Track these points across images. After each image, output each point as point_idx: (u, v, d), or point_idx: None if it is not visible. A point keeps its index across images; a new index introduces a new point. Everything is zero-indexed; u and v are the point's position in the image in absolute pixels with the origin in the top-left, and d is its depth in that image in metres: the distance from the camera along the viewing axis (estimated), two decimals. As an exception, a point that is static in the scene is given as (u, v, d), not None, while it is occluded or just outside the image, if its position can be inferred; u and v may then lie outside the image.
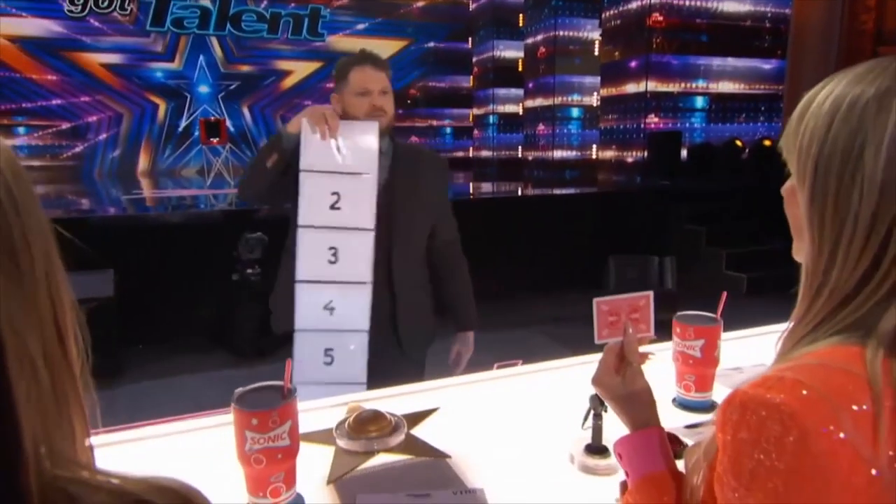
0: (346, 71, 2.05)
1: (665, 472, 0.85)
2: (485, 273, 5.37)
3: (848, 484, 0.55)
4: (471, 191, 9.82)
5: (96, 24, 10.97)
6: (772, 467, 0.57)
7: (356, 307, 1.94)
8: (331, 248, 1.92)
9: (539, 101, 12.64)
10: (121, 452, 1.24)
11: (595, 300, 1.08)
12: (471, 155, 14.40)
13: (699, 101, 10.41)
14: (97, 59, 11.16)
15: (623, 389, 0.95)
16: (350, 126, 1.95)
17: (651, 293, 1.11)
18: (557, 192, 8.72)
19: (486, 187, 10.18)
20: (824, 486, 0.55)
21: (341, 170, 1.92)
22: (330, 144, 1.92)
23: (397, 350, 2.10)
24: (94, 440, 1.27)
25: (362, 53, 2.10)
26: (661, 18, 9.89)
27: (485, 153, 14.09)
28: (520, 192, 8.97)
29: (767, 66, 10.42)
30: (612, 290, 4.96)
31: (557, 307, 5.43)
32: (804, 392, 0.57)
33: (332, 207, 1.91)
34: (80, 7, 10.70)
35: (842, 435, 0.55)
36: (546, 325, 5.28)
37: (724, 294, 1.35)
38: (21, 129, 10.98)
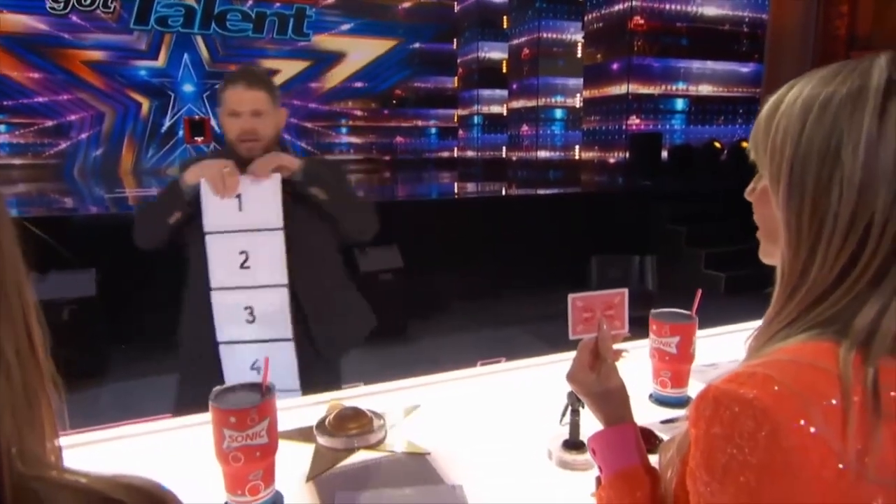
0: (222, 88, 1.88)
1: (638, 467, 0.85)
2: (469, 272, 5.43)
3: (818, 478, 0.55)
4: (455, 191, 9.85)
5: (79, 21, 10.84)
6: (744, 462, 0.57)
7: (280, 365, 1.85)
8: (246, 307, 1.85)
9: (523, 103, 12.69)
10: (99, 452, 1.24)
11: (570, 296, 1.08)
12: (455, 155, 14.45)
13: (679, 104, 10.48)
14: (80, 57, 11.05)
15: (598, 386, 0.94)
16: (249, 181, 1.81)
17: (626, 290, 1.11)
18: (541, 192, 8.77)
19: (471, 187, 10.22)
20: (795, 480, 0.56)
21: (246, 227, 1.82)
22: (232, 202, 1.79)
23: (313, 354, 1.96)
24: (72, 440, 1.26)
25: (240, 70, 1.92)
26: (642, 22, 9.95)
27: (469, 153, 14.14)
28: (504, 192, 9.00)
29: (745, 69, 10.52)
30: (594, 289, 4.97)
31: (542, 306, 5.41)
32: (775, 388, 0.58)
33: (242, 266, 1.83)
34: (62, 4, 10.57)
35: (812, 430, 0.56)
36: (531, 323, 5.27)
37: (699, 292, 1.37)
38: (2, 127, 10.83)
